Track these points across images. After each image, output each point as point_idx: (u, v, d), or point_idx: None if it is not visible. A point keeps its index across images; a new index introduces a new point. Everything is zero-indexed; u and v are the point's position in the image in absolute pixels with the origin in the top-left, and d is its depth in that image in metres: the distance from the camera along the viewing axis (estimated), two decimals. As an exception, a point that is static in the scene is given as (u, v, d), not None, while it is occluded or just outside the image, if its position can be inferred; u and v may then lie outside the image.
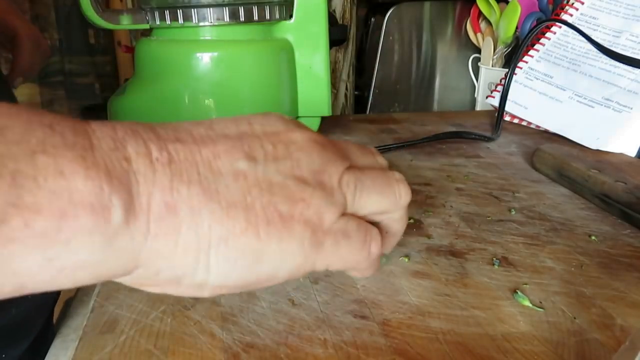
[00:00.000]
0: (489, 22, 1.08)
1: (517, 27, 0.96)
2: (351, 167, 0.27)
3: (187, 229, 0.21)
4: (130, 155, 0.20)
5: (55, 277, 0.19)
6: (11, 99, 0.41)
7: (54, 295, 0.42)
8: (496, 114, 0.74)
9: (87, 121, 0.21)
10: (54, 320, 0.42)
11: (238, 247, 0.23)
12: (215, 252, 0.22)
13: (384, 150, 0.64)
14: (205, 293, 0.24)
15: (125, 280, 0.22)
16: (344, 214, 0.26)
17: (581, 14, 0.78)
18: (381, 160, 0.30)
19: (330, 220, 0.25)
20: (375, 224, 0.29)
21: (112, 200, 0.19)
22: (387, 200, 0.28)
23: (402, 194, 0.28)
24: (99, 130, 0.20)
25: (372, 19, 1.31)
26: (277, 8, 0.57)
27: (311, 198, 0.24)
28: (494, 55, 1.03)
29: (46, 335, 0.40)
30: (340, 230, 0.25)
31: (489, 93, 0.88)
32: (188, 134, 0.23)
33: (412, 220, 0.46)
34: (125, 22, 0.59)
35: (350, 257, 0.27)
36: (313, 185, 0.24)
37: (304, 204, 0.24)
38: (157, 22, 0.55)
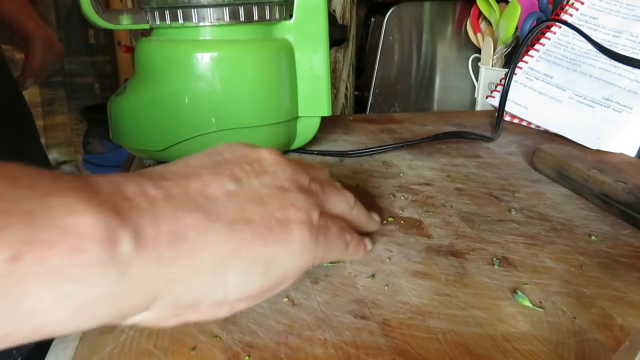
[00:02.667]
0: (489, 22, 1.08)
1: (517, 27, 0.96)
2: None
3: (199, 252, 0.24)
4: (130, 195, 0.23)
5: (73, 315, 0.20)
6: (22, 104, 0.41)
7: None
8: (496, 114, 0.74)
9: (84, 176, 0.23)
10: None
11: (250, 256, 0.25)
12: (230, 267, 0.25)
13: (384, 150, 0.64)
14: (224, 311, 0.26)
15: (148, 319, 0.24)
16: (320, 213, 0.30)
17: (581, 14, 0.78)
18: (323, 172, 0.36)
19: (316, 218, 0.29)
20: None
21: (119, 233, 0.21)
22: (342, 202, 0.34)
23: (348, 196, 0.35)
24: (97, 179, 0.23)
25: (372, 19, 1.30)
26: (277, 8, 0.57)
27: (298, 201, 0.28)
28: (494, 55, 1.03)
29: None
30: (323, 225, 0.30)
31: (489, 93, 0.88)
32: (172, 173, 0.26)
33: (412, 221, 0.46)
34: (125, 22, 0.59)
35: (336, 246, 0.32)
36: (294, 191, 0.29)
37: (294, 208, 0.28)
38: (157, 22, 0.55)
